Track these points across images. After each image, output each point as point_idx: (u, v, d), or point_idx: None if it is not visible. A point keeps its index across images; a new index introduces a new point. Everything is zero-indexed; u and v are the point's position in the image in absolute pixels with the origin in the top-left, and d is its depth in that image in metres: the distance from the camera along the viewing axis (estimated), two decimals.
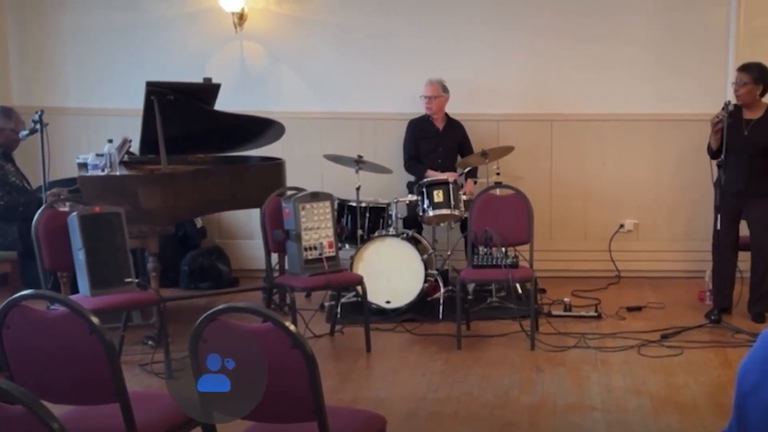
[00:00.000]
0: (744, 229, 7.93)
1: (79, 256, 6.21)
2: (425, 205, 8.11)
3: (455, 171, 8.74)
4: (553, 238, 9.47)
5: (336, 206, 7.67)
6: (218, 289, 8.90)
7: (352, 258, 7.89)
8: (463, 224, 8.31)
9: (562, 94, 9.42)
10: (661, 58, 9.32)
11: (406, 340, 7.41)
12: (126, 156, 7.88)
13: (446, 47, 9.40)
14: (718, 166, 7.49)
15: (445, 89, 8.88)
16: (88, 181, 7.29)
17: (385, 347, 7.19)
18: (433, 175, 8.52)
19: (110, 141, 7.57)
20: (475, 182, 8.84)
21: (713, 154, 7.73)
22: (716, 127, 7.55)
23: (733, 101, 7.69)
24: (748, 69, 7.67)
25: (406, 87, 9.07)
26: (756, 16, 9.06)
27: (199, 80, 8.00)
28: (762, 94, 7.71)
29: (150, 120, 7.41)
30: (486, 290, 8.45)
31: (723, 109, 7.48)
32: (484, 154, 8.28)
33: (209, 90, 7.92)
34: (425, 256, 8.04)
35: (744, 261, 7.97)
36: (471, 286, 8.11)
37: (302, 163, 9.04)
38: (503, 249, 7.40)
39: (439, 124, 9.00)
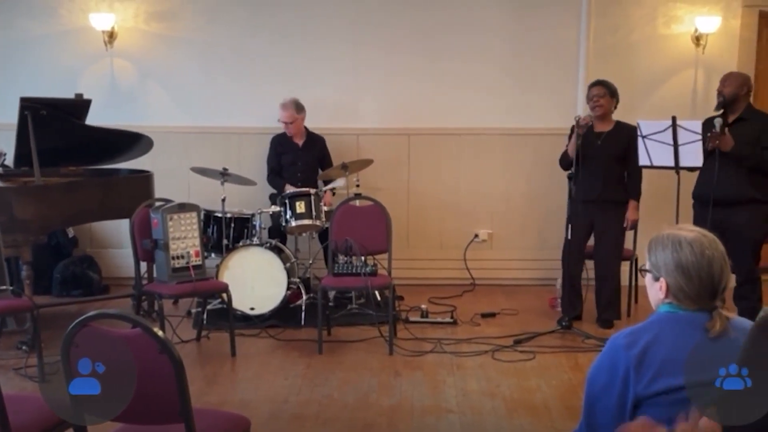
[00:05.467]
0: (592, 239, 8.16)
1: None
2: (288, 216, 8.24)
3: (315, 184, 8.86)
4: (411, 247, 9.68)
5: (202, 217, 7.81)
6: (89, 297, 8.93)
7: (218, 266, 8.00)
8: (324, 234, 8.48)
9: (419, 109, 9.64)
10: (514, 75, 9.59)
11: (270, 345, 7.54)
12: (0, 168, 7.97)
13: (307, 65, 9.56)
14: (569, 178, 7.74)
15: (299, 109, 8.99)
16: None
17: (250, 352, 7.31)
18: (291, 189, 8.58)
19: None
20: (334, 193, 8.99)
21: (567, 163, 7.90)
22: (581, 129, 7.68)
23: (583, 115, 7.90)
24: (604, 83, 7.97)
25: (269, 102, 9.19)
26: (604, 36, 9.43)
27: (71, 96, 8.12)
28: (612, 109, 8.02)
29: (24, 134, 7.49)
30: (346, 297, 8.64)
31: (575, 122, 7.72)
32: (345, 166, 8.47)
33: (81, 105, 8.01)
34: (288, 265, 8.20)
35: (592, 269, 8.20)
36: (332, 294, 8.28)
37: (170, 175, 9.18)
38: (362, 258, 7.61)
39: (299, 140, 9.14)
